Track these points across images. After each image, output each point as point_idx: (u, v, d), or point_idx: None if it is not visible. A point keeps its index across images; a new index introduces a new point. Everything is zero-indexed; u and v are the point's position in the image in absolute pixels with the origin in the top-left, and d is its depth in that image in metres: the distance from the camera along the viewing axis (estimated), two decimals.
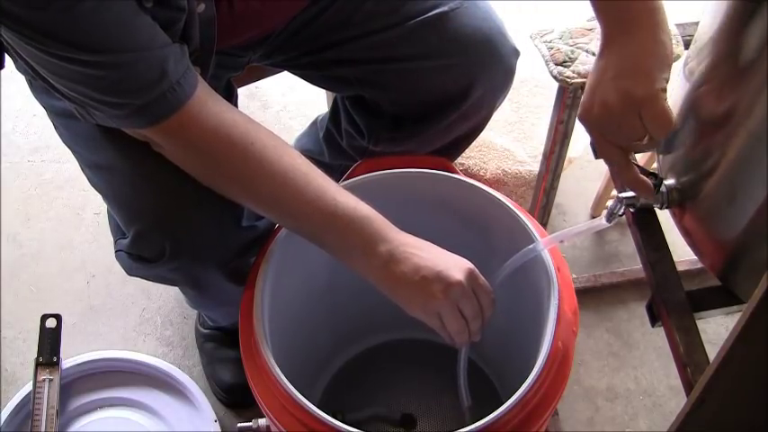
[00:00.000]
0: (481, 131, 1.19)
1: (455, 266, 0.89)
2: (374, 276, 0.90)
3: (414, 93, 1.09)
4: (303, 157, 0.92)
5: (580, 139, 1.32)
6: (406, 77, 1.08)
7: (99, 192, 1.02)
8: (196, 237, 0.95)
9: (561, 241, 0.94)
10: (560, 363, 0.88)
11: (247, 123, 0.90)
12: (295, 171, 0.89)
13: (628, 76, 0.83)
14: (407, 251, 0.89)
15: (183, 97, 0.83)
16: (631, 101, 0.82)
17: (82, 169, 1.04)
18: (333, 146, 1.33)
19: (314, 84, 1.20)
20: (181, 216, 0.95)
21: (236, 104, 1.12)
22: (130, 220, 0.97)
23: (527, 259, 0.95)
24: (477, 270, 0.91)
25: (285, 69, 1.21)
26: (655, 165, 1.02)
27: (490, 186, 1.02)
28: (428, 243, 0.91)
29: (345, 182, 1.02)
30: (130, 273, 1.02)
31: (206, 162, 0.89)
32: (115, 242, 1.01)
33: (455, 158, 1.26)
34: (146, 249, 0.96)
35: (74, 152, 1.03)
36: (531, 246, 0.94)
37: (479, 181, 1.04)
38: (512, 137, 1.55)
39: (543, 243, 0.94)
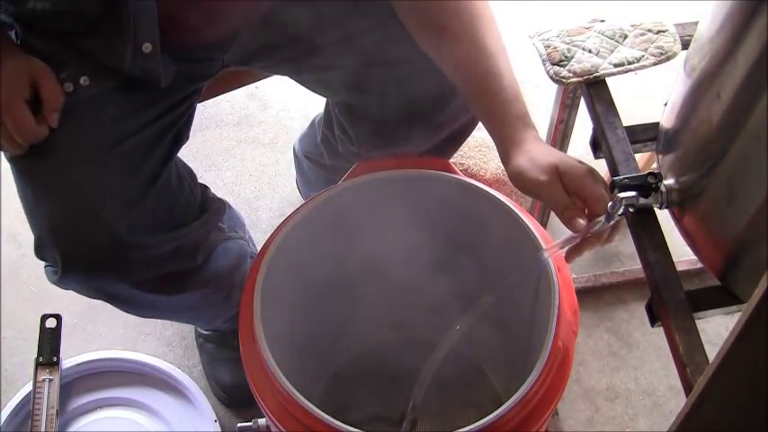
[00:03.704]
0: (473, 128, 1.18)
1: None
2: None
3: (397, 97, 1.07)
4: None
5: (580, 139, 1.32)
6: (389, 82, 1.06)
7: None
8: (87, 250, 0.93)
9: (561, 248, 0.94)
10: (560, 363, 0.88)
11: None
12: None
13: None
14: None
15: None
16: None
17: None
18: (331, 149, 1.33)
19: (304, 87, 1.19)
20: (71, 228, 0.93)
21: (190, 122, 1.10)
22: (31, 227, 0.97)
23: (533, 268, 0.94)
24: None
25: (272, 75, 1.19)
26: (654, 165, 1.01)
27: (490, 186, 1.01)
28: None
29: (345, 182, 1.02)
30: (56, 284, 1.00)
31: None
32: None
33: (451, 156, 1.25)
34: (47, 258, 0.96)
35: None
36: (536, 256, 0.94)
37: (479, 181, 1.04)
38: None
39: (548, 252, 0.94)
